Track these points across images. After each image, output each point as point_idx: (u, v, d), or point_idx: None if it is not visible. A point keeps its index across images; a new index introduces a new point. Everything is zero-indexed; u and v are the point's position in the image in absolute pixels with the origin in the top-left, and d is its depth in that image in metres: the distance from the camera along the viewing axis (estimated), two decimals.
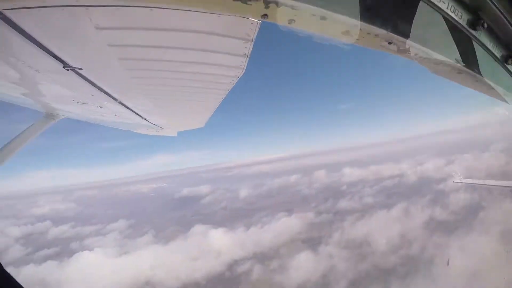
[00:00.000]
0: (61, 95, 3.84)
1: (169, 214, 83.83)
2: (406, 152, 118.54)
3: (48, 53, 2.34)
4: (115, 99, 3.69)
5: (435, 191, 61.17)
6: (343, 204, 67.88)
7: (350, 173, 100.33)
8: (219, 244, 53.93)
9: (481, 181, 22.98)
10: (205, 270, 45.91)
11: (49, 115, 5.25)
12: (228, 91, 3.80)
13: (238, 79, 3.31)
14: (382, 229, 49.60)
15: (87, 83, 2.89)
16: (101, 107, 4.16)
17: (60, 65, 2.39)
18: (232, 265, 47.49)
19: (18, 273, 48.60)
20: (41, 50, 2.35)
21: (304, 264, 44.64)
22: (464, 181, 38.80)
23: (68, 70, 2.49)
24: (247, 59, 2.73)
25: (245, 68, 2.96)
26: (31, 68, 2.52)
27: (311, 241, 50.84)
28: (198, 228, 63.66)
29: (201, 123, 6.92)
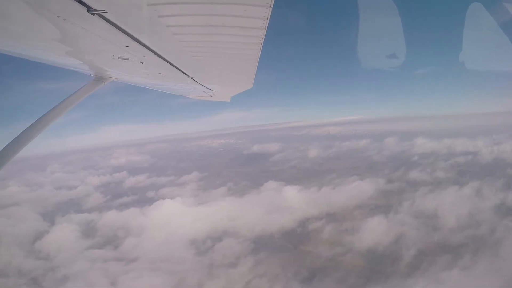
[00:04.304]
0: (98, 49, 3.66)
1: (240, 169, 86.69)
2: (484, 128, 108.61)
3: None
4: (152, 51, 3.52)
5: (510, 175, 57.57)
6: (415, 174, 66.52)
7: (423, 144, 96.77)
8: (292, 201, 55.88)
9: None
10: (278, 225, 48.23)
11: (98, 78, 5.14)
12: (259, 46, 3.73)
13: (264, 31, 3.20)
14: (453, 206, 48.36)
15: (118, 30, 2.70)
16: (142, 63, 3.95)
17: (84, 9, 2.21)
18: (304, 222, 49.39)
19: (101, 218, 55.68)
20: None
21: (375, 228, 44.97)
22: None
23: (93, 14, 2.31)
24: (270, 9, 2.69)
25: (268, 18, 2.87)
26: (59, 16, 2.32)
27: (382, 207, 50.98)
28: (270, 184, 66.11)
29: (248, 83, 6.76)
